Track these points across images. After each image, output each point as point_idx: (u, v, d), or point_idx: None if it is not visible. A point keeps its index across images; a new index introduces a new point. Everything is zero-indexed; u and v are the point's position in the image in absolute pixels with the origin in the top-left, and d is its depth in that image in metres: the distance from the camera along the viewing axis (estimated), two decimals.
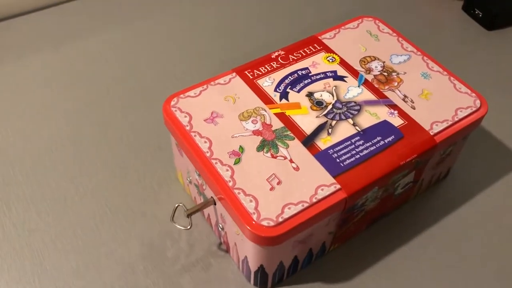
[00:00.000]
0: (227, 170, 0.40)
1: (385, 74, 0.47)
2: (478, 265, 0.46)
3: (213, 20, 0.69)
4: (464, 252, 0.47)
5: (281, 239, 0.37)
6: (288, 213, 0.37)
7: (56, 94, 0.59)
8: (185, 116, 0.43)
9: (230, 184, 0.39)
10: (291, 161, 0.40)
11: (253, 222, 0.37)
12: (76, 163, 0.52)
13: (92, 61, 0.63)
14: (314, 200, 0.38)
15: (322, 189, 0.39)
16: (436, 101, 0.45)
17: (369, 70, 0.48)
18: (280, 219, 0.37)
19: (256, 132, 0.42)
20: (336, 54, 0.49)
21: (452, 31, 0.69)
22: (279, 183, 0.39)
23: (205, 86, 0.46)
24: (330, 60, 0.49)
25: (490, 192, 0.51)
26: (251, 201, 0.38)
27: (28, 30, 0.67)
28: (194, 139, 0.42)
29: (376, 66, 0.48)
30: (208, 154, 0.41)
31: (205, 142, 0.41)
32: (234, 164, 0.40)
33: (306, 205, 0.38)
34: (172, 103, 0.44)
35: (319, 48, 0.50)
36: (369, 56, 0.49)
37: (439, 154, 0.46)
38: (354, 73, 0.47)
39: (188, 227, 0.42)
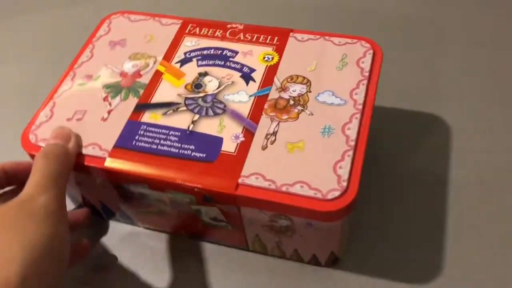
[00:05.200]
0: (69, 87, 0.41)
1: (291, 102, 0.38)
2: None
3: None
4: None
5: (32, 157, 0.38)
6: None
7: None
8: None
9: (51, 101, 0.40)
10: (109, 111, 0.39)
11: (27, 133, 0.39)
12: None
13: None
14: (78, 151, 0.37)
15: (93, 148, 0.37)
16: (298, 160, 0.35)
17: (284, 89, 0.39)
18: (39, 144, 0.38)
19: (122, 74, 0.42)
20: (280, 56, 0.41)
21: None
22: (79, 119, 0.39)
23: (148, 17, 0.46)
24: (266, 59, 0.41)
25: None
26: (46, 117, 0.39)
27: None
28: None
29: (294, 90, 0.39)
30: (75, 66, 0.43)
31: (87, 56, 0.43)
32: (79, 85, 0.41)
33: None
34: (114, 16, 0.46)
35: (275, 42, 0.43)
36: (304, 77, 0.40)
37: (266, 219, 0.36)
38: (268, 82, 0.40)
39: None
